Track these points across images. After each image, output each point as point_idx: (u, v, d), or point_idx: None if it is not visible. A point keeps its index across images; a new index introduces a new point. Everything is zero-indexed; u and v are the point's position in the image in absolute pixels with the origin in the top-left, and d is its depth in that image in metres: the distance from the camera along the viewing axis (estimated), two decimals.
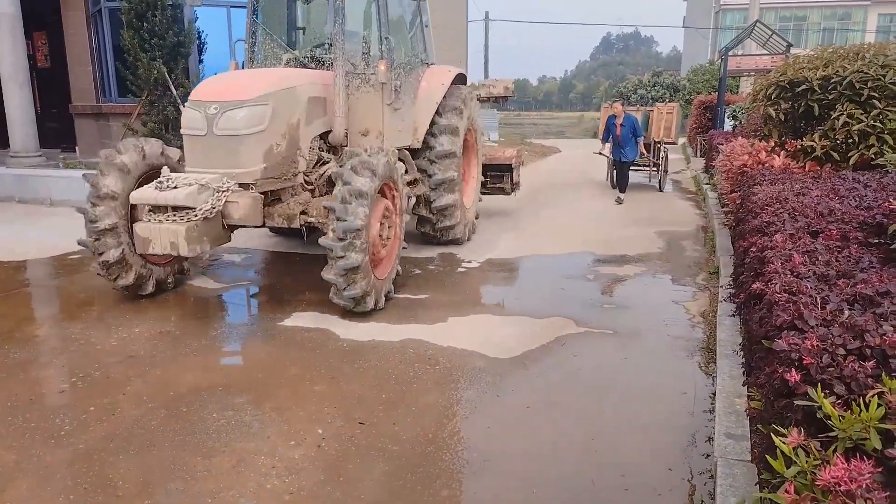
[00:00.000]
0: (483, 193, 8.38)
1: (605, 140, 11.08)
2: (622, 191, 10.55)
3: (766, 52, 15.56)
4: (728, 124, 13.83)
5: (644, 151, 10.98)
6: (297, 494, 2.63)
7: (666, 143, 11.67)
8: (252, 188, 4.84)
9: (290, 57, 5.94)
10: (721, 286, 4.99)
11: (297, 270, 6.23)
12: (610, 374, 3.85)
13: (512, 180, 8.74)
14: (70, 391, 3.57)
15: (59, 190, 9.46)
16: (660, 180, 11.71)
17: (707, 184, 10.82)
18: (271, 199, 5.10)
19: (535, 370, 3.87)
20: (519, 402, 3.49)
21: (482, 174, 8.21)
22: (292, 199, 5.19)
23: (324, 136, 5.56)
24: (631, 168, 11.06)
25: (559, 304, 5.13)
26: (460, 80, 7.23)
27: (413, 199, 6.00)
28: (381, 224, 4.93)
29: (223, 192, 4.63)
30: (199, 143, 4.80)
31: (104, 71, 11.73)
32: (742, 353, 3.51)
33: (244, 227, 5.00)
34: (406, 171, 6.06)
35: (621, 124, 10.37)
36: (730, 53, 14.59)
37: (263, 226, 5.05)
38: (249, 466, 2.80)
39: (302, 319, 4.72)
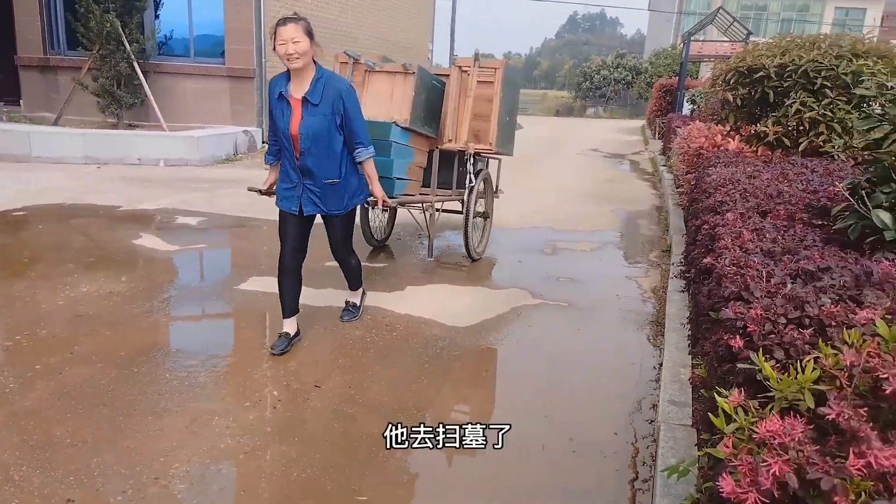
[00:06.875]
0: None
1: (270, 157, 3.61)
2: (351, 307, 4.08)
3: (726, 39, 15.85)
4: (687, 108, 14.10)
5: (381, 205, 3.85)
6: (251, 454, 2.63)
7: (485, 152, 5.28)
8: None
9: None
10: (672, 263, 5.14)
11: (253, 235, 6.13)
12: (563, 345, 3.95)
13: None
14: (14, 349, 3.46)
15: (2, 144, 9.03)
16: (465, 240, 5.21)
17: (664, 165, 11.04)
18: None
19: (492, 339, 3.93)
20: (474, 370, 3.55)
21: None
22: None
23: None
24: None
25: (516, 277, 5.20)
26: None
27: None
28: None
29: None
30: None
31: (53, 22, 11.16)
32: (689, 325, 3.65)
33: None
34: None
35: (305, 101, 3.24)
36: (692, 39, 14.82)
37: None
38: (203, 426, 2.78)
39: (259, 284, 4.66)
